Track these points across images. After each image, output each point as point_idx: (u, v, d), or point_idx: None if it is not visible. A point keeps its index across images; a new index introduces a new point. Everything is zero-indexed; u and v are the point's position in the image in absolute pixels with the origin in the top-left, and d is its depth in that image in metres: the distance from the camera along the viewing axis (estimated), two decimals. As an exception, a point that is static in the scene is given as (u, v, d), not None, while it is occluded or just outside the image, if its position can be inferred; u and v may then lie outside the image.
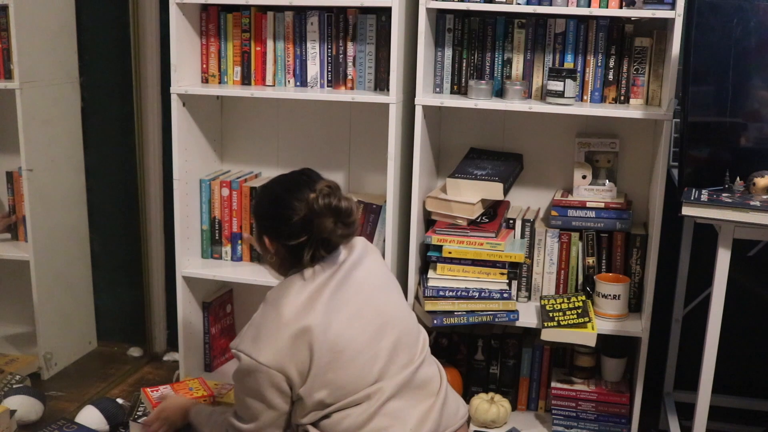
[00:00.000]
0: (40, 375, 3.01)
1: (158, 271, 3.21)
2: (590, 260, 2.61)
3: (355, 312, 1.92)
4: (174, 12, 2.60)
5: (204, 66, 2.78)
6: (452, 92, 2.65)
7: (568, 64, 2.54)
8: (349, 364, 1.88)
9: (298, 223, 1.90)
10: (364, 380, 1.89)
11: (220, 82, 2.78)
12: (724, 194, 2.06)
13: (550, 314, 2.49)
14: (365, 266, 2.01)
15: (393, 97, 2.48)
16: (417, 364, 1.97)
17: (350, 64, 2.65)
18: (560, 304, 2.53)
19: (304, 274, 1.93)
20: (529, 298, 2.67)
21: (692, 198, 2.03)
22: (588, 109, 2.46)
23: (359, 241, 2.07)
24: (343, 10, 2.62)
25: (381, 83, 2.63)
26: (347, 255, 2.00)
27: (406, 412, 1.91)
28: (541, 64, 2.57)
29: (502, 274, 2.54)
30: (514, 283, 2.63)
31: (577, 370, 2.63)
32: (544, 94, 2.55)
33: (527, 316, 2.55)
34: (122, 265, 3.28)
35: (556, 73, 2.45)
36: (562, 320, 2.47)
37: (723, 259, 2.04)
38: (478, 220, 2.57)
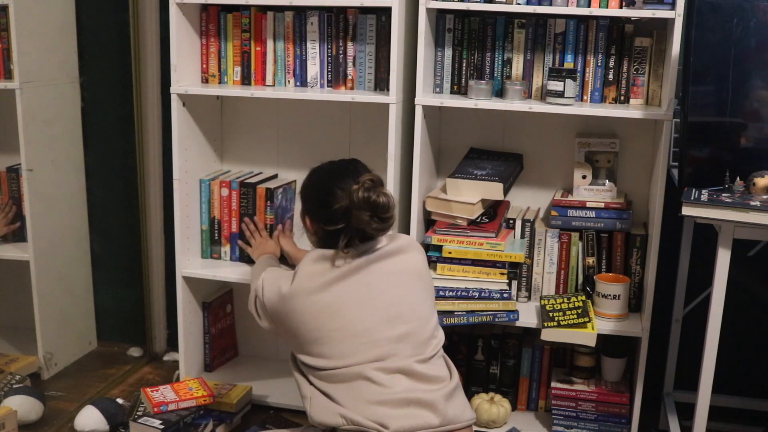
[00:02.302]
0: (40, 375, 3.01)
1: (158, 271, 3.21)
2: (590, 260, 2.61)
3: (367, 297, 1.98)
4: (174, 12, 2.60)
5: (204, 66, 2.78)
6: (452, 92, 2.65)
7: (568, 64, 2.54)
8: (346, 340, 1.95)
9: (337, 211, 1.99)
10: (357, 358, 1.93)
11: (220, 82, 2.78)
12: (724, 194, 2.06)
13: (550, 314, 2.49)
14: (398, 260, 2.05)
15: (393, 97, 2.48)
16: (421, 358, 1.98)
17: (350, 64, 2.65)
18: (560, 304, 2.53)
19: (336, 255, 2.00)
20: (529, 298, 2.67)
21: (692, 198, 2.03)
22: (588, 109, 2.46)
23: (404, 238, 2.13)
24: (343, 10, 2.62)
25: (381, 83, 2.63)
26: (385, 245, 2.05)
27: (398, 383, 1.93)
28: (541, 64, 2.57)
29: (502, 274, 2.54)
30: (514, 283, 2.63)
31: (577, 370, 2.63)
32: (544, 94, 2.55)
33: (527, 316, 2.55)
34: (122, 265, 3.28)
35: (556, 73, 2.45)
36: (562, 320, 2.47)
37: (723, 259, 2.04)
38: (478, 220, 2.57)
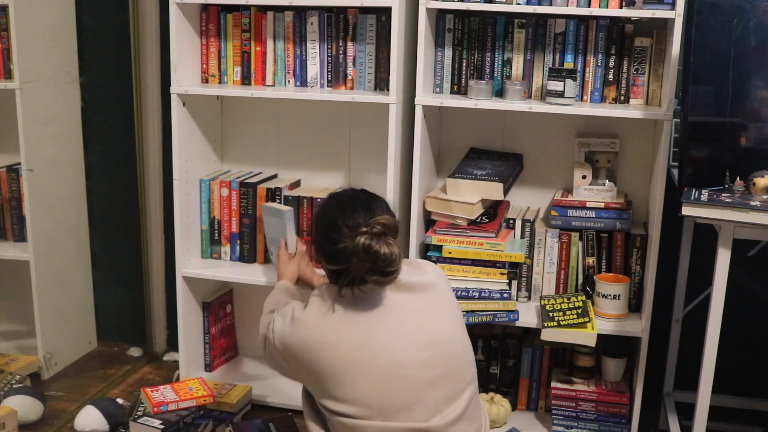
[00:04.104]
0: (40, 375, 3.01)
1: (158, 271, 3.21)
2: (590, 260, 2.61)
3: (404, 335, 1.83)
4: (174, 12, 2.60)
5: (204, 66, 2.78)
6: (452, 92, 2.65)
7: (568, 64, 2.54)
8: (372, 380, 1.81)
9: (340, 251, 1.80)
10: (396, 405, 1.80)
11: (220, 82, 2.78)
12: (724, 194, 2.06)
13: (550, 314, 2.49)
14: (428, 294, 1.91)
15: (393, 97, 2.48)
16: (460, 411, 1.86)
17: (350, 64, 2.65)
18: (560, 304, 2.53)
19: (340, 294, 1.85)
20: (529, 298, 2.67)
21: (692, 198, 2.03)
22: (588, 109, 2.46)
23: (429, 268, 1.99)
24: (343, 10, 2.62)
25: (381, 83, 2.63)
26: (409, 275, 1.89)
27: None
28: (541, 64, 2.57)
29: (502, 274, 2.54)
30: (514, 283, 2.63)
31: (577, 370, 2.63)
32: (544, 94, 2.55)
33: (527, 316, 2.55)
34: (122, 265, 3.28)
35: (556, 73, 2.45)
36: (562, 320, 2.47)
37: (723, 259, 2.04)
38: (478, 220, 2.57)
